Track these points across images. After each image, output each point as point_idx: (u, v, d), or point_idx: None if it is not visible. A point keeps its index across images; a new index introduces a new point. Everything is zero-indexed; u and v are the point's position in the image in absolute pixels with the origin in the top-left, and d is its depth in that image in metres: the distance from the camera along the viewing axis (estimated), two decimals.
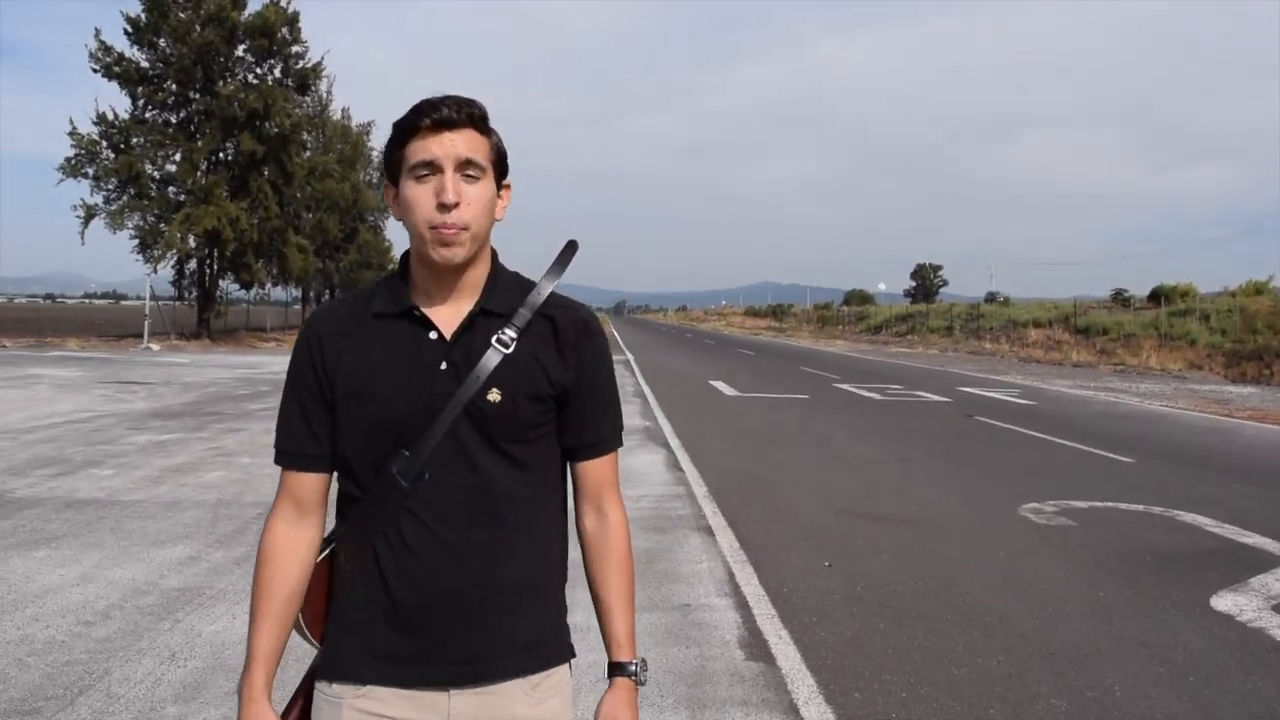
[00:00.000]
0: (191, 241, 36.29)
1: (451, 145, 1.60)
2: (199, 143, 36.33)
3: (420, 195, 1.61)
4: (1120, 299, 53.30)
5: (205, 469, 9.53)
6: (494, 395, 1.63)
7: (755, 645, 5.06)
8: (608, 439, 1.81)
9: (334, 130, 51.78)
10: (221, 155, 37.95)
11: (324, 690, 1.69)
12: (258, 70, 38.18)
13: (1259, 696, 4.54)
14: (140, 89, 36.23)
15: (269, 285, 43.11)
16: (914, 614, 5.68)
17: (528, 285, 1.74)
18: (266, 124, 36.50)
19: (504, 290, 1.72)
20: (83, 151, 35.29)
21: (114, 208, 35.59)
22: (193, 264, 38.91)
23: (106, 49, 35.60)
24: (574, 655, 1.79)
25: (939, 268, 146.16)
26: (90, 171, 35.43)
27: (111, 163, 35.35)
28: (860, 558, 6.92)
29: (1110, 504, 8.92)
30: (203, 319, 38.73)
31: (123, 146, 35.79)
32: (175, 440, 11.40)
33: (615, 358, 23.28)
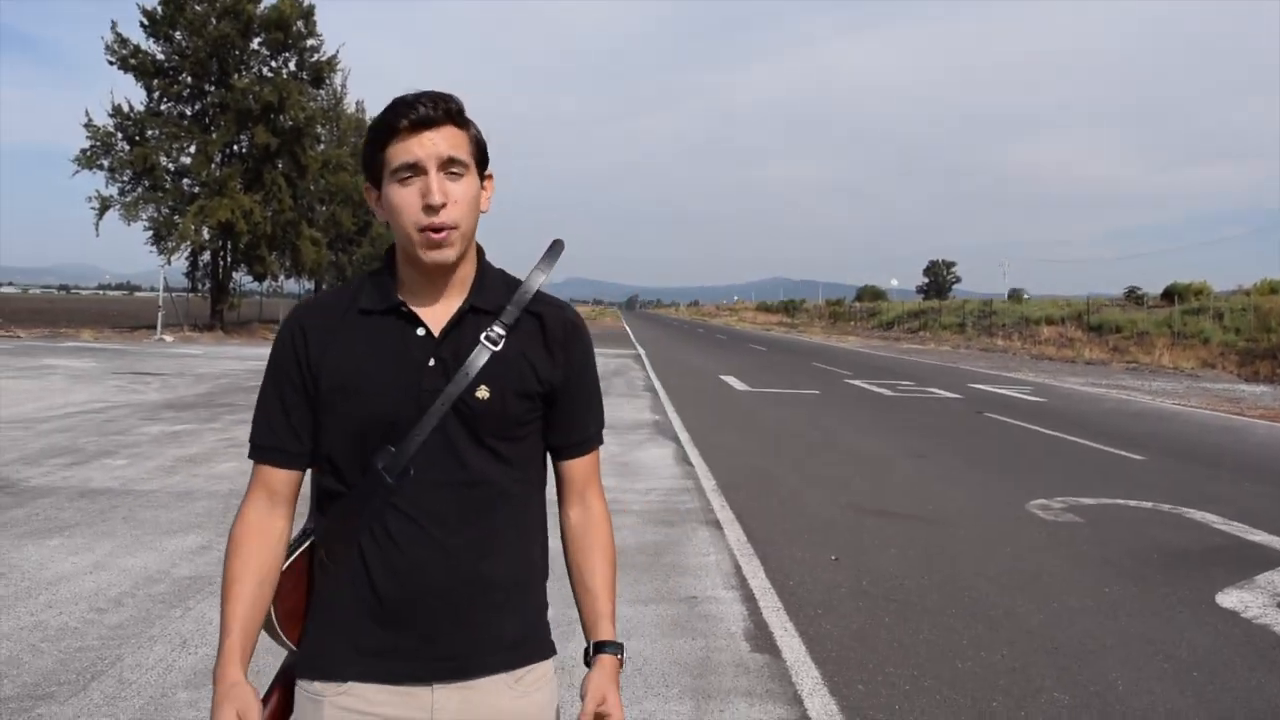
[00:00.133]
0: (205, 233, 36.42)
1: (433, 145, 1.59)
2: (214, 135, 36.46)
3: (406, 198, 1.60)
4: (1134, 297, 53.11)
5: (217, 460, 9.59)
6: (483, 392, 1.63)
7: (761, 637, 5.09)
8: (593, 436, 1.84)
9: (348, 124, 51.86)
10: (236, 148, 38.06)
11: (305, 688, 1.67)
12: (272, 63, 38.30)
13: (1262, 693, 4.56)
14: (156, 81, 36.38)
15: (282, 277, 43.22)
16: (919, 608, 5.71)
17: (514, 282, 1.74)
18: (281, 117, 36.58)
19: (491, 287, 1.71)
20: (98, 143, 35.46)
21: (129, 199, 35.74)
22: (206, 256, 39.10)
23: (123, 41, 35.75)
24: (555, 652, 1.80)
25: (952, 264, 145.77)
26: (105, 163, 35.60)
27: (127, 155, 35.51)
28: (867, 552, 6.95)
29: (1119, 501, 8.93)
30: (216, 311, 38.86)
31: (138, 139, 35.94)
32: (188, 431, 11.47)
33: (626, 352, 23.26)
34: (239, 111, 36.04)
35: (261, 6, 36.69)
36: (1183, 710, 4.32)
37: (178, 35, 36.04)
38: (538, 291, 1.73)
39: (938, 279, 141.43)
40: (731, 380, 22.49)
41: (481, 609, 1.67)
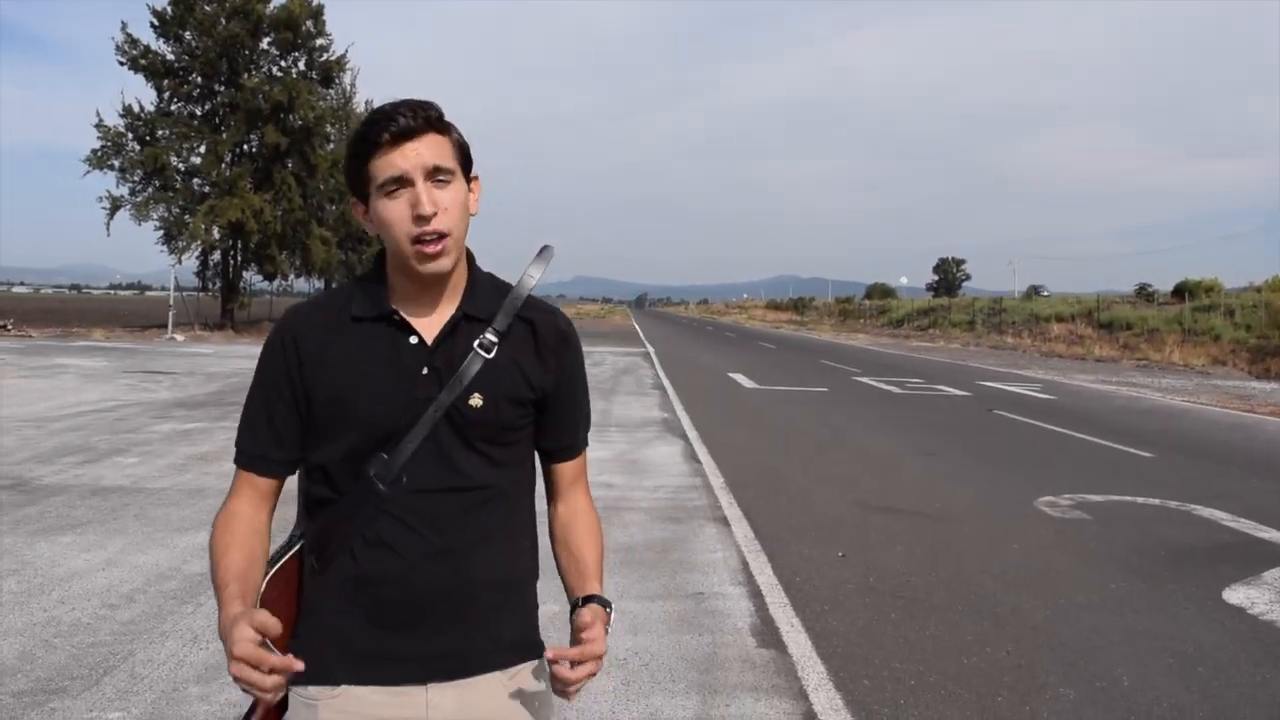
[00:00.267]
0: (215, 233, 36.52)
1: (417, 156, 1.58)
2: (224, 135, 36.58)
3: (395, 211, 1.59)
4: (1144, 294, 52.99)
5: (228, 458, 9.51)
6: (476, 400, 1.64)
7: (767, 633, 5.12)
8: (582, 440, 1.86)
9: (357, 123, 51.93)
10: (246, 147, 38.16)
11: (300, 693, 1.67)
12: (282, 63, 38.37)
13: (1267, 688, 4.57)
14: (166, 82, 36.52)
15: (292, 277, 43.33)
16: (926, 604, 5.73)
17: (504, 287, 1.74)
18: (290, 116, 36.68)
19: (483, 293, 1.71)
20: (109, 144, 35.60)
21: (139, 199, 35.87)
22: (216, 255, 39.23)
23: (133, 42, 35.89)
24: (544, 652, 1.79)
25: (962, 262, 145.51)
26: (116, 163, 35.74)
27: (137, 155, 35.64)
28: (874, 549, 6.97)
29: (1127, 498, 8.93)
30: (226, 310, 38.99)
31: (148, 139, 36.07)
32: (199, 429, 11.53)
33: (635, 350, 23.29)
34: (249, 111, 36.16)
35: (271, 6, 36.77)
36: (1187, 705, 4.34)
37: (187, 35, 36.18)
38: (529, 297, 1.73)
39: (947, 276, 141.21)
40: (740, 378, 22.50)
41: (476, 609, 1.68)
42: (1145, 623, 5.48)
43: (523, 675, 1.74)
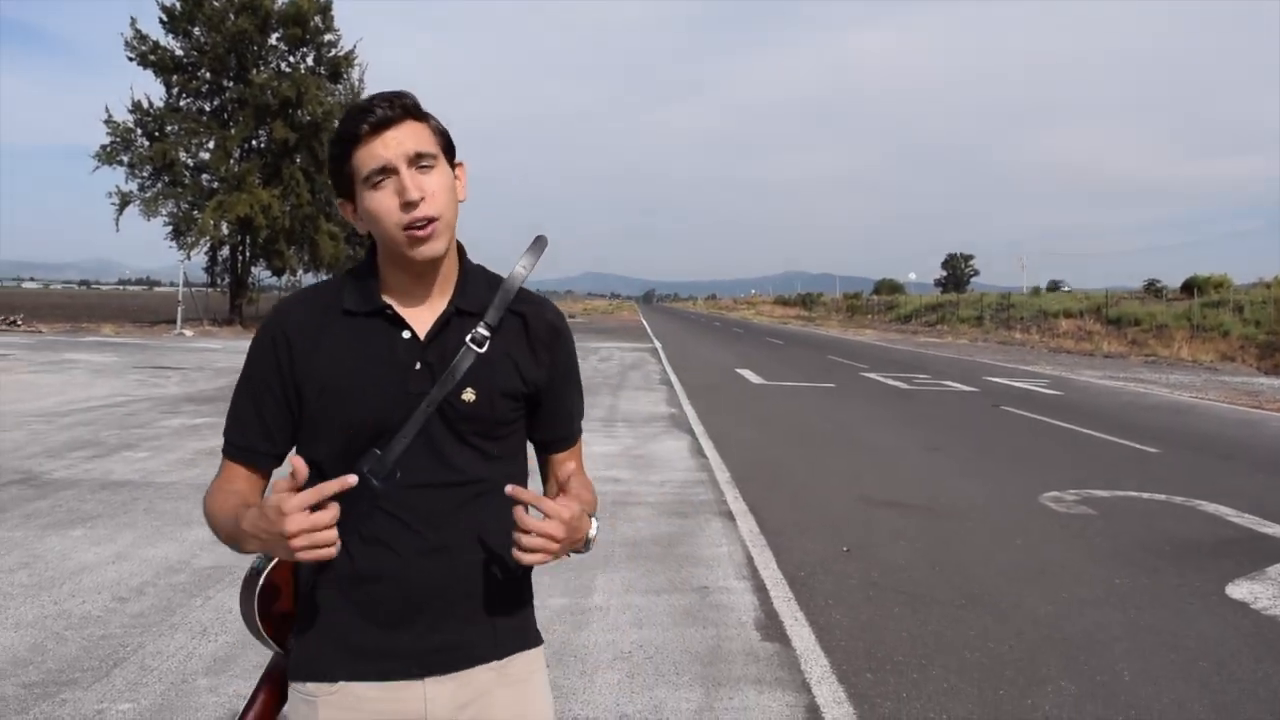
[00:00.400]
0: (224, 228, 36.62)
1: (398, 144, 1.58)
2: (232, 130, 36.68)
3: (383, 201, 1.59)
4: (1153, 290, 52.88)
5: None
6: (469, 395, 1.64)
7: (771, 627, 5.15)
8: (576, 430, 1.87)
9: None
10: (254, 143, 38.27)
11: (299, 689, 1.68)
12: (290, 58, 38.47)
13: (1268, 683, 4.59)
14: (175, 77, 36.65)
15: (300, 272, 43.44)
16: (929, 599, 5.76)
17: (495, 280, 1.73)
18: (299, 112, 36.75)
19: (474, 287, 1.71)
20: (118, 139, 35.73)
21: (148, 195, 36.03)
22: (225, 251, 39.33)
23: (142, 37, 36.01)
24: (542, 640, 1.82)
25: (970, 257, 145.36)
26: (125, 159, 35.88)
27: (146, 150, 35.76)
28: (879, 544, 6.99)
29: (1132, 494, 8.94)
30: (235, 305, 39.13)
31: (157, 134, 36.19)
32: (208, 424, 11.58)
33: (643, 345, 23.33)
34: (257, 107, 36.25)
35: (279, 2, 36.85)
36: (1188, 699, 4.36)
37: (196, 31, 36.30)
38: (520, 289, 1.72)
39: (956, 272, 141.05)
40: (747, 373, 22.52)
41: (472, 604, 1.69)
42: (1148, 618, 5.50)
43: (518, 664, 1.75)
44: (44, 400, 13.60)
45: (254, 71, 36.78)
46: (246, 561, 1.74)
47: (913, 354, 33.96)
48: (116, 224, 35.80)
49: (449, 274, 1.70)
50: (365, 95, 39.40)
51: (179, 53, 36.65)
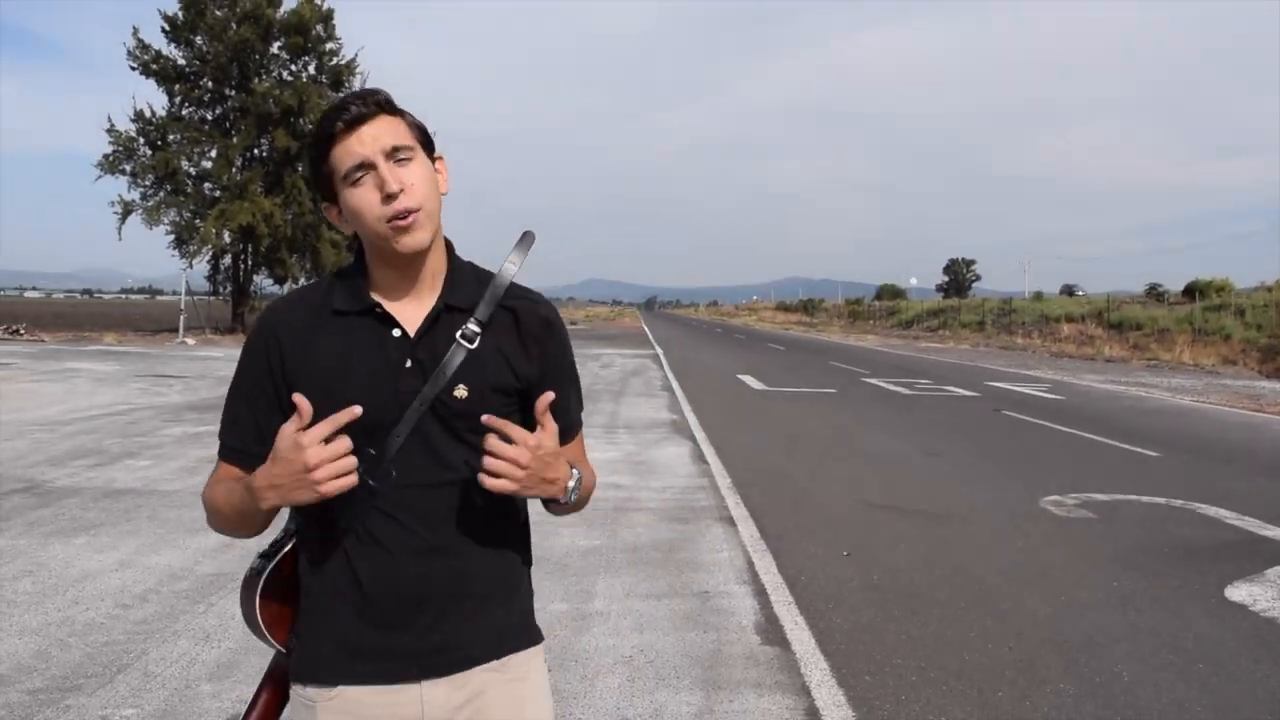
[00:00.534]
0: (226, 237, 36.73)
1: (374, 139, 1.59)
2: (234, 139, 36.79)
3: (364, 197, 1.60)
4: (1155, 294, 52.88)
5: None
6: (460, 391, 1.63)
7: (771, 630, 5.17)
8: (575, 423, 1.84)
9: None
10: (256, 152, 38.38)
11: (300, 692, 1.69)
12: (292, 67, 38.63)
13: (1266, 684, 4.61)
14: (177, 86, 36.78)
15: (302, 280, 43.54)
16: (928, 602, 5.78)
17: (485, 276, 1.73)
18: (301, 121, 36.83)
19: (463, 283, 1.71)
20: (120, 148, 35.86)
21: (150, 204, 36.11)
22: (227, 259, 39.45)
23: (144, 47, 36.15)
24: (542, 639, 1.82)
25: (972, 262, 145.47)
26: (128, 168, 36.01)
27: (148, 159, 35.88)
28: (879, 548, 7.01)
29: (1132, 497, 8.95)
30: (237, 314, 39.18)
31: (159, 143, 36.32)
32: (210, 432, 11.57)
33: (645, 352, 23.26)
34: (259, 115, 36.35)
35: (281, 11, 37.00)
36: (1186, 700, 4.38)
37: (198, 40, 36.46)
38: (511, 284, 1.72)
39: (957, 277, 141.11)
40: (749, 379, 22.54)
41: (469, 603, 1.69)
42: (1147, 620, 5.52)
43: (516, 663, 1.75)
44: (47, 409, 13.64)
45: (256, 80, 36.90)
46: (249, 566, 1.76)
47: (914, 359, 33.96)
48: (119, 233, 35.98)
49: (437, 270, 1.70)
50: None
51: (181, 62, 36.81)
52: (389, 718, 1.66)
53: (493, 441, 1.55)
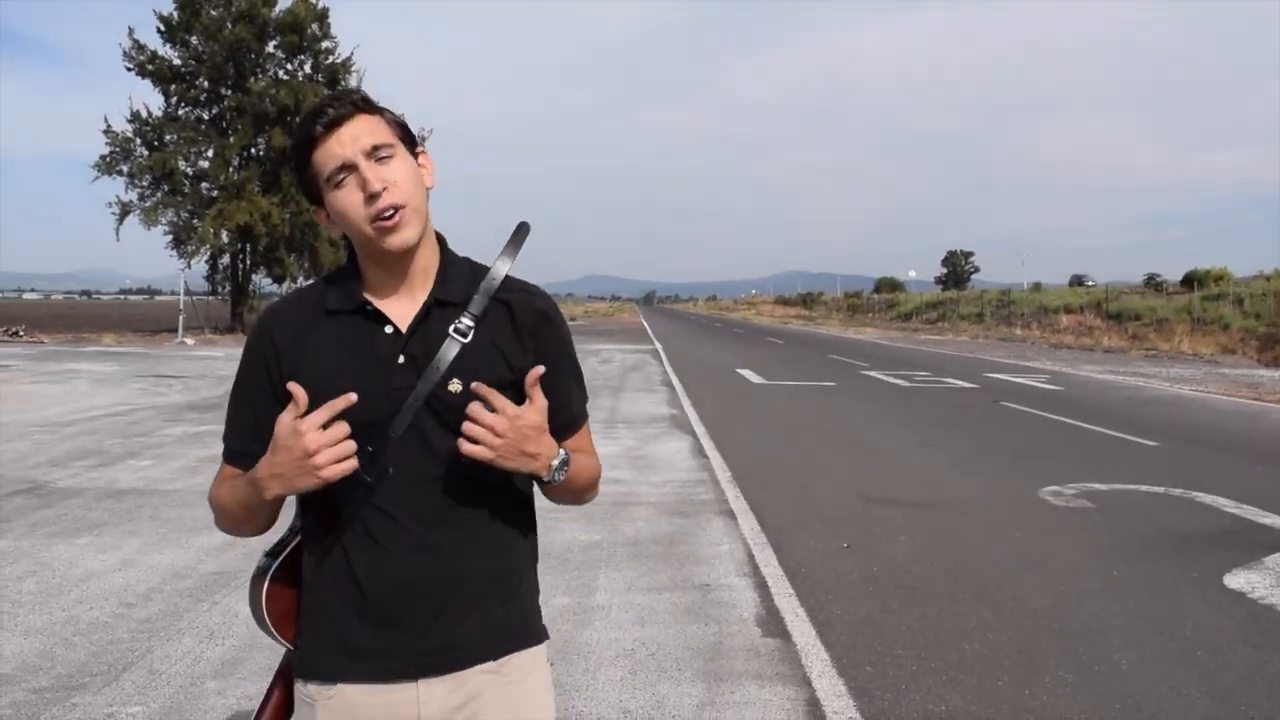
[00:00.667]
0: (224, 237, 36.75)
1: (353, 139, 1.59)
2: (231, 139, 36.78)
3: (348, 198, 1.60)
4: (1153, 284, 52.89)
5: None
6: (455, 386, 1.62)
7: (772, 622, 5.20)
8: (578, 415, 1.81)
9: None
10: (253, 151, 38.38)
11: (300, 690, 1.69)
12: (288, 66, 38.60)
13: (1264, 670, 4.64)
14: (173, 86, 36.78)
15: (301, 279, 43.52)
16: (928, 593, 5.81)
17: (480, 271, 1.72)
18: (297, 119, 36.73)
19: (456, 278, 1.70)
20: (117, 149, 35.87)
21: (148, 204, 36.11)
22: (225, 259, 39.47)
23: (140, 47, 36.15)
24: (547, 637, 1.81)
25: (970, 254, 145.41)
26: (125, 169, 36.02)
27: (145, 160, 35.89)
28: (878, 540, 7.04)
29: (1131, 486, 8.98)
30: (236, 313, 39.19)
31: (156, 143, 36.33)
32: (210, 431, 11.61)
33: (644, 347, 23.28)
34: (255, 115, 36.35)
35: (276, 10, 36.97)
36: (1185, 687, 4.41)
37: (194, 40, 36.44)
38: (506, 277, 1.70)
39: (956, 269, 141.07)
40: (748, 373, 22.56)
41: (468, 601, 1.68)
42: (1145, 608, 5.55)
43: (515, 664, 1.73)
44: (47, 410, 13.67)
45: (252, 80, 36.90)
46: (252, 565, 1.79)
47: (913, 351, 33.99)
48: (117, 233, 35.99)
49: (428, 266, 1.70)
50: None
51: (177, 62, 36.82)
52: (385, 718, 1.66)
53: (474, 408, 1.56)
